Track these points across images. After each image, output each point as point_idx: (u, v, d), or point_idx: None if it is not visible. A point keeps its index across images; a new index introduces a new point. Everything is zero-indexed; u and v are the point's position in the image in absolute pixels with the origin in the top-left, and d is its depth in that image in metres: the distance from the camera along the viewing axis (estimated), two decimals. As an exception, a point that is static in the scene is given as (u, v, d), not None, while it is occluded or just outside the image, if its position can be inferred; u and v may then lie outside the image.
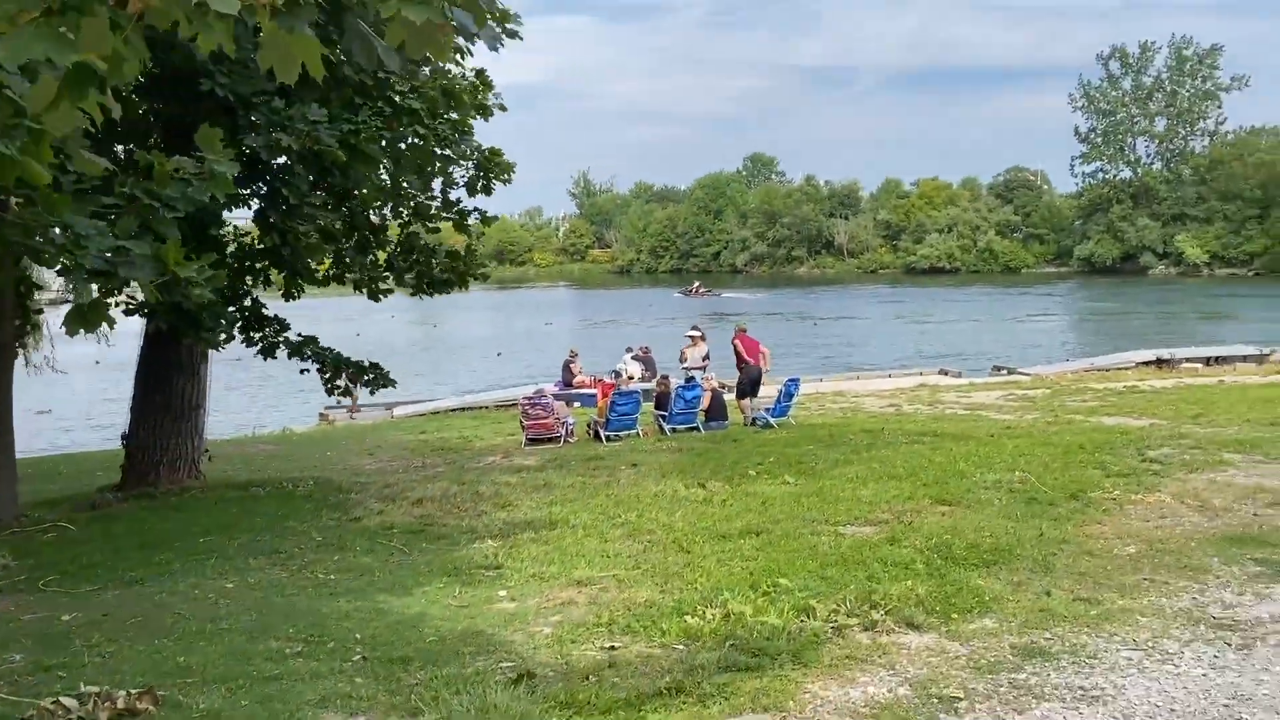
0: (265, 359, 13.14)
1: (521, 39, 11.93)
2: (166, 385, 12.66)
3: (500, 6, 11.63)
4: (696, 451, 15.07)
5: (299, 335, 13.18)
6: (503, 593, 7.27)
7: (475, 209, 12.76)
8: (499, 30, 11.90)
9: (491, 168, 12.09)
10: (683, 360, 22.74)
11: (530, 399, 18.29)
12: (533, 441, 17.72)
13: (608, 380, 26.77)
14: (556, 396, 26.71)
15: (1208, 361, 31.21)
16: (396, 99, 9.36)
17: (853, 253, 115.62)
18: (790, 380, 19.00)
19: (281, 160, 9.38)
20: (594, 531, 9.33)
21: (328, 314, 75.50)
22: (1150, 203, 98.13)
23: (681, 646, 5.80)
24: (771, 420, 18.15)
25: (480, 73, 12.95)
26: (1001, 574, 6.92)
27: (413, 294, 12.98)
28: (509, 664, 5.60)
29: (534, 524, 9.89)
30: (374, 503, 11.52)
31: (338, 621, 6.63)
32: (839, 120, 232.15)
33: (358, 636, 6.28)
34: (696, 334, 22.60)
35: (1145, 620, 5.91)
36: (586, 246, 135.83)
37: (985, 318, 61.13)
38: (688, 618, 6.19)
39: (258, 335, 12.70)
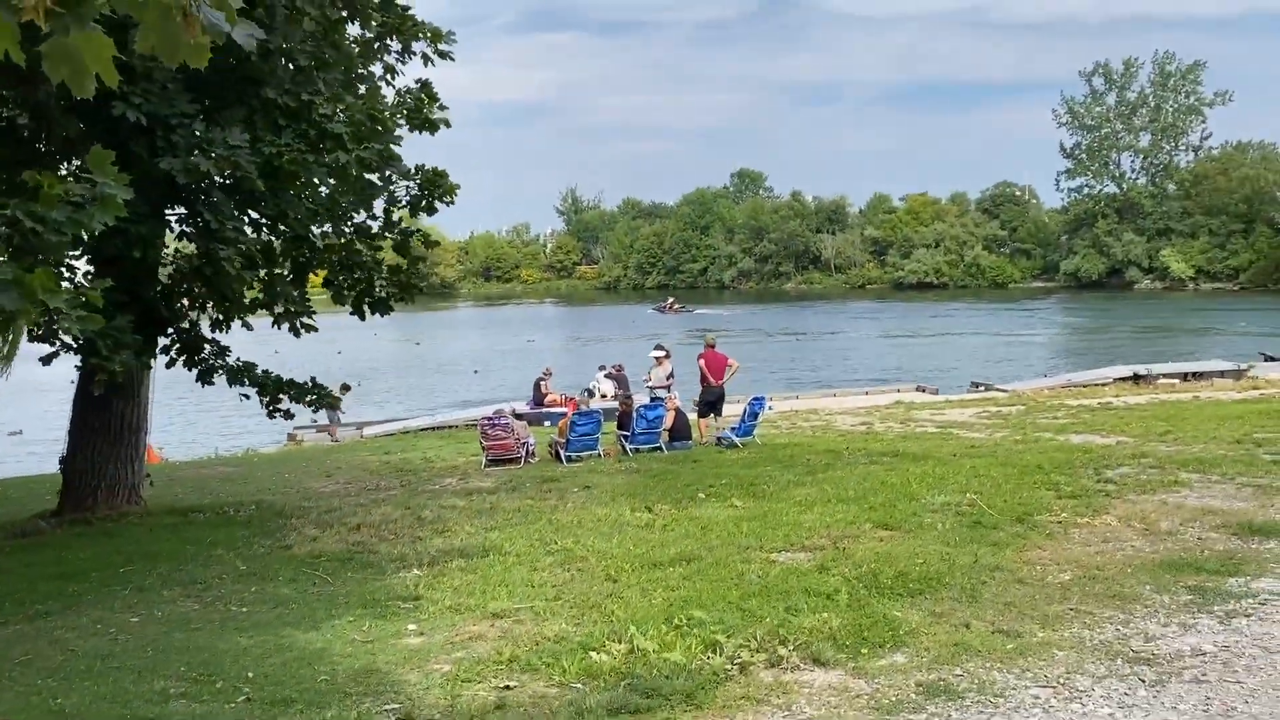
0: (203, 385, 12.87)
1: (453, 59, 11.86)
2: (105, 408, 12.38)
3: (433, 26, 11.55)
4: (653, 473, 14.84)
5: (238, 360, 12.92)
6: (412, 627, 7.01)
7: (418, 230, 12.52)
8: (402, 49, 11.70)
9: (435, 188, 11.88)
10: (647, 380, 22.49)
11: (489, 419, 18.03)
12: (493, 462, 17.46)
13: (580, 398, 26.59)
14: (528, 415, 26.64)
15: (1185, 377, 31.11)
16: (321, 122, 9.14)
17: (840, 268, 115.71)
18: (755, 399, 18.78)
19: (204, 183, 9.13)
20: (526, 559, 9.08)
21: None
22: (1135, 217, 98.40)
23: (580, 685, 5.55)
24: (736, 440, 17.93)
25: (425, 85, 12.77)
26: (925, 604, 6.68)
27: (353, 313, 12.72)
28: (394, 706, 5.35)
29: (467, 551, 9.64)
30: (311, 529, 11.25)
31: (234, 659, 6.37)
32: (828, 136, 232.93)
33: (249, 675, 6.02)
34: (661, 353, 22.38)
35: (1062, 654, 5.67)
36: (574, 263, 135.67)
37: (969, 333, 61.12)
38: (593, 654, 5.95)
39: (197, 359, 12.42)
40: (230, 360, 12.61)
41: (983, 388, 31.37)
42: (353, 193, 10.03)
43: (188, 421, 34.36)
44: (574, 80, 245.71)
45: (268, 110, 9.21)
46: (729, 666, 5.61)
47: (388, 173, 10.07)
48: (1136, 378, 30.94)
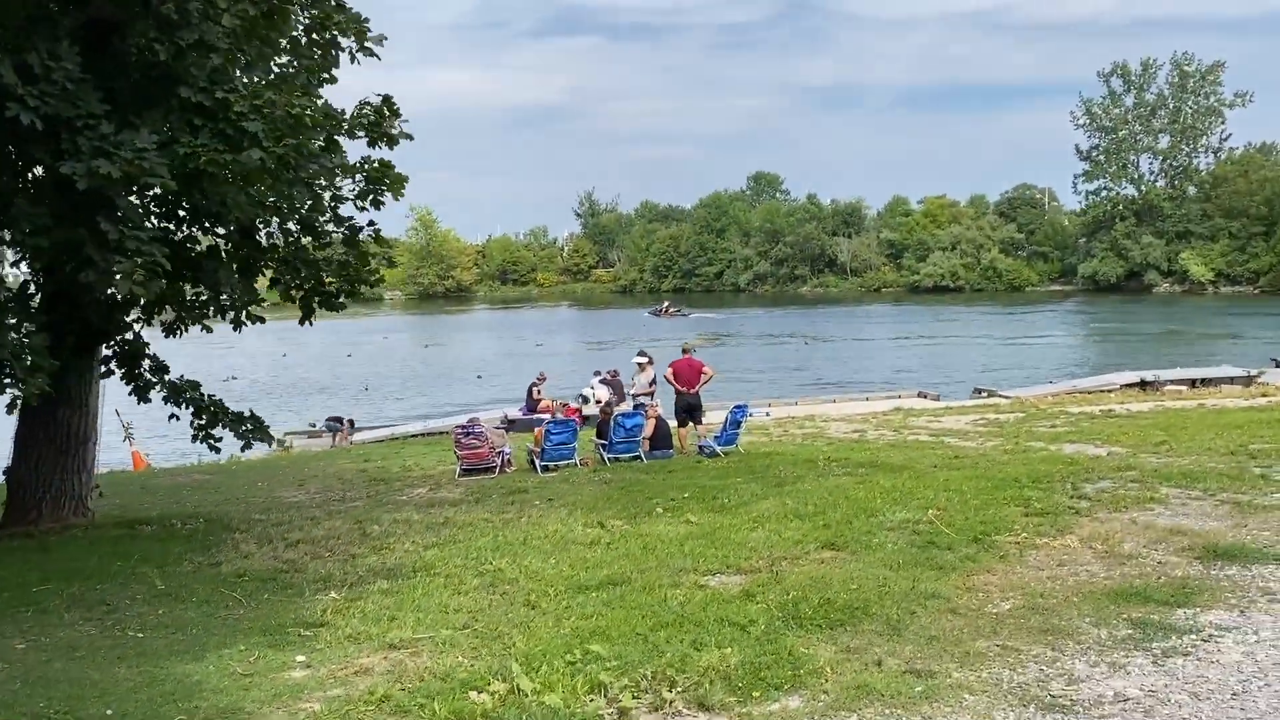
0: (140, 401, 12.52)
1: (379, 58, 11.48)
2: (50, 418, 12.04)
3: (358, 22, 11.17)
4: (622, 484, 14.43)
5: (180, 378, 12.56)
6: (301, 658, 6.60)
7: (370, 223, 12.13)
8: (356, 47, 11.36)
9: (382, 181, 11.49)
10: (630, 386, 22.06)
11: (463, 428, 17.63)
12: (468, 472, 17.08)
13: (573, 405, 26.17)
14: (521, 421, 26.24)
15: (1193, 384, 30.43)
16: (237, 120, 8.75)
17: (856, 271, 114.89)
18: (737, 407, 18.31)
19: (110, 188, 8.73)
20: (453, 581, 8.67)
21: (319, 336, 75.35)
22: (1154, 220, 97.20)
23: (443, 730, 5.13)
24: (717, 449, 17.49)
25: (387, 99, 12.39)
26: (843, 637, 6.23)
27: (302, 321, 12.33)
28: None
29: (397, 571, 9.24)
30: (250, 544, 10.87)
31: (101, 693, 5.98)
32: (847, 139, 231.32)
33: (109, 713, 5.63)
34: (644, 359, 21.94)
35: (972, 699, 5.21)
36: (590, 266, 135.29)
37: (982, 338, 60.38)
38: (473, 693, 5.53)
39: (135, 373, 12.07)
40: (170, 378, 12.24)
41: (985, 394, 30.78)
42: (273, 192, 9.63)
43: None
44: (594, 84, 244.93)
45: (185, 110, 8.85)
46: (607, 711, 5.18)
47: (330, 167, 9.64)
48: (1143, 384, 30.29)
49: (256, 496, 15.92)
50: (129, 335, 12.00)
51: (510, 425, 25.10)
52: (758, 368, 47.60)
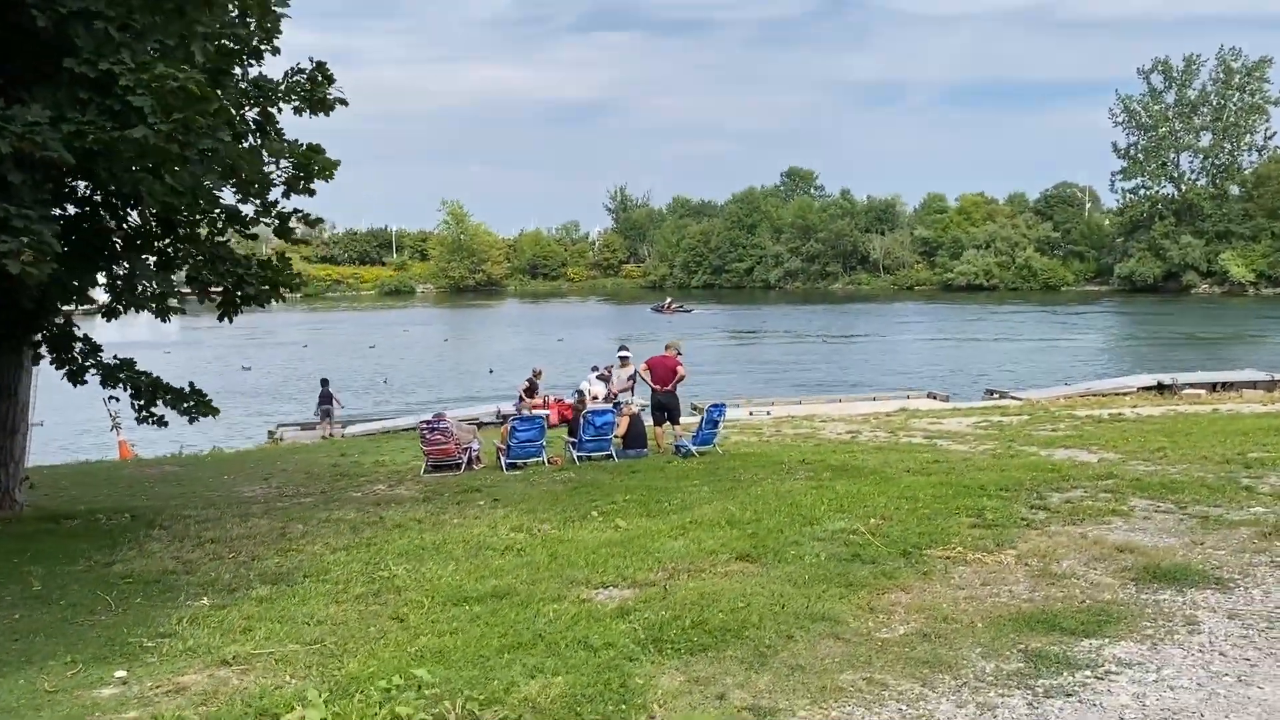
0: (74, 384, 12.10)
1: (288, 16, 10.97)
2: (-24, 408, 11.66)
3: None
4: (576, 485, 13.88)
5: (115, 359, 12.14)
6: (121, 673, 6.09)
7: (295, 210, 11.63)
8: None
9: (311, 166, 10.99)
10: (609, 382, 21.52)
11: (428, 424, 17.14)
12: (435, 468, 16.60)
13: (568, 400, 25.63)
14: (515, 417, 25.72)
15: (1213, 387, 29.42)
16: (124, 94, 8.28)
17: (888, 269, 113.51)
18: (714, 406, 17.67)
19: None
20: (338, 588, 8.15)
21: (344, 328, 75.49)
22: (1194, 219, 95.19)
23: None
24: (693, 448, 16.89)
25: (320, 65, 11.95)
26: (699, 664, 5.63)
27: (221, 318, 11.84)
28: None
29: (288, 576, 8.73)
30: (159, 543, 10.43)
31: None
32: (887, 136, 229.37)
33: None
34: (625, 354, 21.34)
35: (804, 746, 4.59)
36: (620, 261, 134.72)
37: (1009, 338, 59.22)
38: (266, 721, 4.99)
39: (67, 358, 11.66)
40: (104, 359, 11.81)
41: (997, 395, 29.93)
42: (169, 172, 9.12)
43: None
44: (633, 79, 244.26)
45: (74, 84, 8.38)
46: (387, 749, 4.62)
47: (226, 141, 9.11)
48: (1161, 387, 29.31)
49: (213, 490, 15.51)
50: (59, 321, 11.59)
51: (504, 421, 24.60)
52: (770, 365, 46.86)
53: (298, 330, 73.74)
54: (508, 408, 27.20)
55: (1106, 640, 5.94)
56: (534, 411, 26.20)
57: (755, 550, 8.49)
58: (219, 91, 9.76)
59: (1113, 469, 13.37)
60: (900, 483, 12.39)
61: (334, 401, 28.38)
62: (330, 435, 26.82)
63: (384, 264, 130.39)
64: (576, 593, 7.40)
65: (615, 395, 21.84)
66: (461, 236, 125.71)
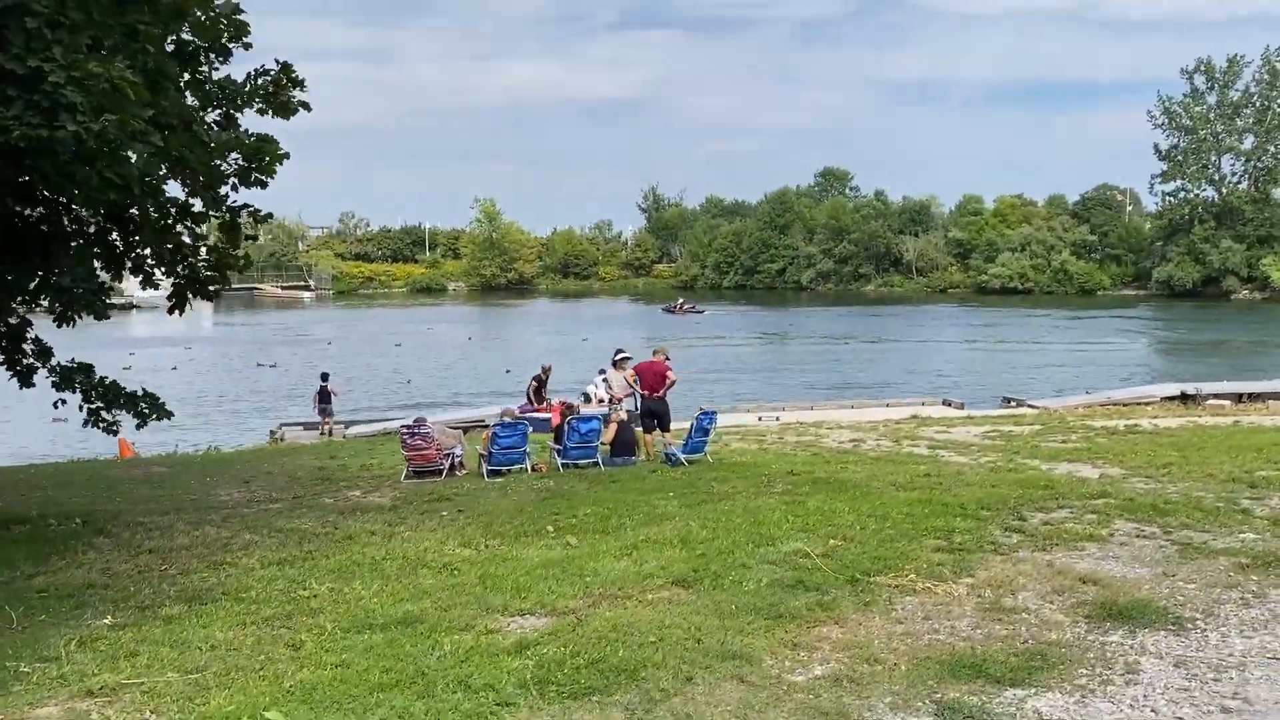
0: (22, 386, 11.84)
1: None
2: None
3: None
4: (549, 494, 13.49)
5: (71, 362, 11.88)
6: (-24, 704, 5.74)
7: (246, 205, 11.25)
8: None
9: (262, 157, 10.64)
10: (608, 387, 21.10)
11: (409, 428, 16.77)
12: (416, 474, 16.25)
13: (574, 402, 25.25)
14: (522, 417, 25.36)
15: (1239, 398, 28.48)
16: (53, 90, 7.96)
17: (922, 271, 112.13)
18: (703, 414, 17.17)
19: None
20: (251, 609, 7.79)
21: (370, 326, 75.57)
22: (1234, 223, 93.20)
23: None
24: (682, 457, 16.40)
25: (285, 67, 11.61)
26: (581, 710, 5.18)
27: (171, 311, 11.53)
28: None
29: (207, 593, 8.37)
30: (96, 552, 10.14)
31: None
32: (926, 136, 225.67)
33: None
34: (623, 356, 20.93)
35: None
36: (652, 261, 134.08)
37: (1039, 342, 58.16)
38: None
39: (15, 359, 11.38)
40: (57, 361, 11.54)
41: (1013, 403, 29.18)
42: (109, 168, 8.79)
43: (196, 413, 33.88)
44: (671, 78, 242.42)
45: (3, 80, 8.07)
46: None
47: (160, 145, 8.77)
48: (1184, 397, 28.43)
49: (189, 494, 15.23)
50: (12, 320, 11.32)
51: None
52: (788, 368, 46.22)
53: (327, 327, 73.87)
54: (513, 409, 26.83)
55: (1033, 690, 5.43)
56: (539, 414, 25.90)
57: (695, 574, 8.03)
58: (176, 90, 9.47)
59: (1109, 487, 12.83)
60: (877, 498, 11.88)
61: (332, 397, 28.11)
62: (330, 433, 26.58)
63: (417, 261, 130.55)
64: (487, 622, 6.97)
65: (620, 399, 21.46)
66: (493, 235, 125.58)
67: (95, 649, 6.76)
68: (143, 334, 60.51)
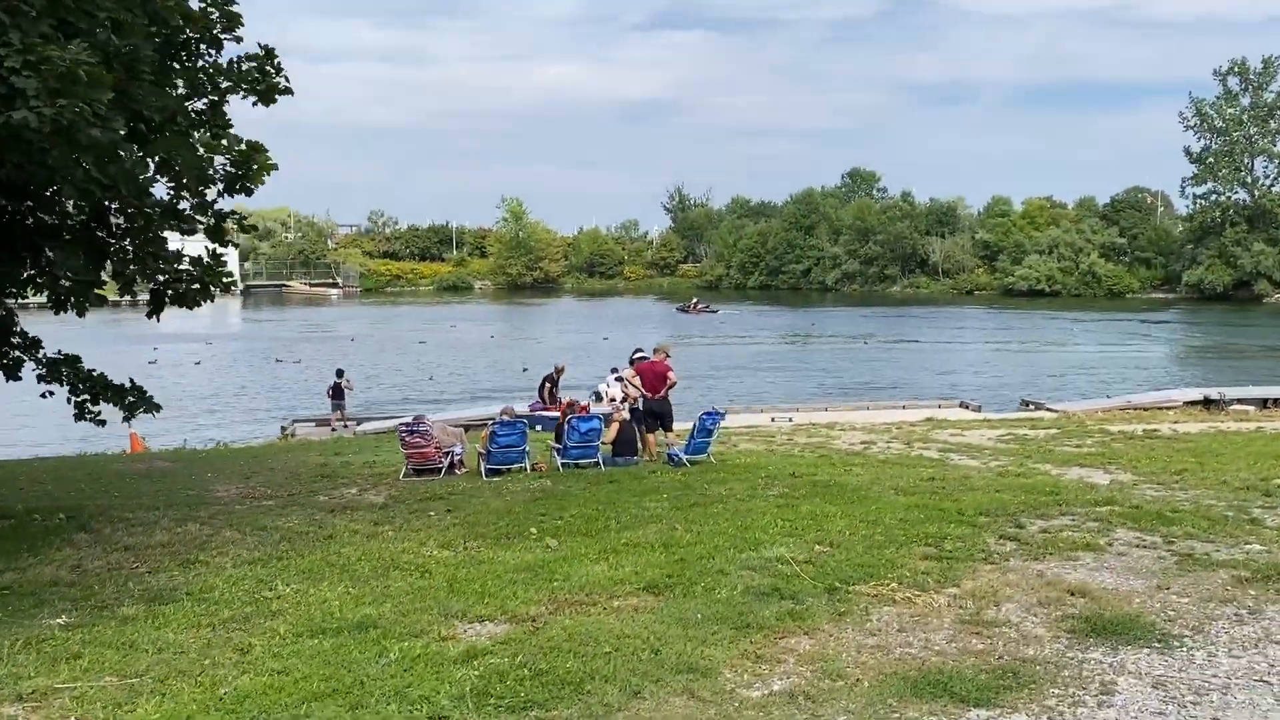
0: (8, 379, 11.71)
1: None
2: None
3: None
4: (541, 495, 13.23)
5: (59, 353, 11.74)
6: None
7: (233, 211, 11.09)
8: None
9: (250, 165, 10.46)
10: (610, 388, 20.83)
11: (407, 426, 16.58)
12: (415, 472, 16.05)
13: (584, 402, 25.02)
14: (531, 417, 25.17)
15: (1264, 404, 27.86)
16: (8, 76, 7.80)
17: (948, 272, 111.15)
18: (706, 414, 16.88)
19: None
20: (211, 611, 7.59)
21: (395, 324, 75.65)
22: (1267, 226, 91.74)
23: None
24: (684, 458, 16.13)
25: (268, 50, 11.43)
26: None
27: (150, 315, 11.35)
28: None
29: (170, 593, 8.18)
30: (73, 548, 9.97)
31: None
32: (954, 137, 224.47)
33: None
34: (641, 354, 20.70)
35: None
36: (678, 261, 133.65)
37: (1064, 344, 57.38)
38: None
39: (2, 350, 11.25)
40: (47, 353, 11.42)
41: (1032, 406, 28.68)
42: (92, 161, 8.63)
43: (213, 408, 33.89)
44: (699, 78, 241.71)
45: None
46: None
47: (116, 131, 8.56)
48: (1207, 402, 27.83)
49: (186, 489, 15.09)
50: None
51: (520, 419, 24.07)
52: (807, 368, 45.77)
53: (353, 324, 74.03)
54: (520, 407, 26.65)
55: (998, 711, 5.14)
56: (549, 413, 25.69)
57: (669, 579, 7.78)
58: (153, 81, 9.29)
59: (1116, 494, 12.47)
60: (874, 504, 11.57)
61: (345, 393, 28.05)
62: (345, 426, 26.49)
63: (444, 260, 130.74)
64: (443, 628, 6.74)
65: (634, 400, 21.21)
66: (520, 234, 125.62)
67: (40, 650, 6.58)
68: (170, 329, 60.89)
